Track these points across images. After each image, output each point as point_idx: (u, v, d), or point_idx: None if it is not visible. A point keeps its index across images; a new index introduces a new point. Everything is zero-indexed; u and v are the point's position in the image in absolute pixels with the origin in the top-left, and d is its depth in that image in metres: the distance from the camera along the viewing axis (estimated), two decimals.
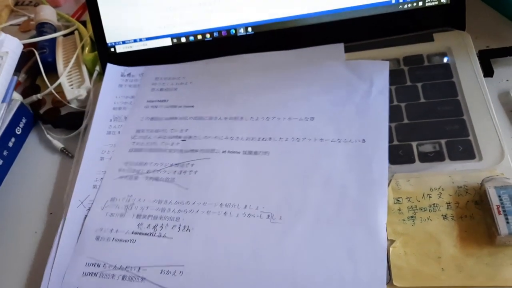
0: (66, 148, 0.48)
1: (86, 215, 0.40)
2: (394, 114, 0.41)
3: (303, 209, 0.37)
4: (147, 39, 0.50)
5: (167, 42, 0.50)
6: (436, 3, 0.45)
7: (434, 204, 0.35)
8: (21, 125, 0.50)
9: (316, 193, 0.37)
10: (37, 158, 0.49)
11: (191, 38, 0.49)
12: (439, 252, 0.33)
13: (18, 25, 0.64)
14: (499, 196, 0.33)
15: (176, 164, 0.41)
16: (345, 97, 0.42)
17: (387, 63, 0.43)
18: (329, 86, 0.43)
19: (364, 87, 0.42)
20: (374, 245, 0.34)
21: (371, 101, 0.41)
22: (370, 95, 0.41)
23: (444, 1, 0.44)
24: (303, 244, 0.35)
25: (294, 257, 0.35)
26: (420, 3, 0.45)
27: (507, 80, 0.42)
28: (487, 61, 0.43)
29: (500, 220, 0.32)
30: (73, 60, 0.53)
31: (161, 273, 0.36)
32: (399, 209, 0.36)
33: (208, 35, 0.49)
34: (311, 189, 0.37)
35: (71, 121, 0.50)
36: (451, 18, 0.45)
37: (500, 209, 0.33)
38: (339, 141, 0.39)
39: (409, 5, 0.45)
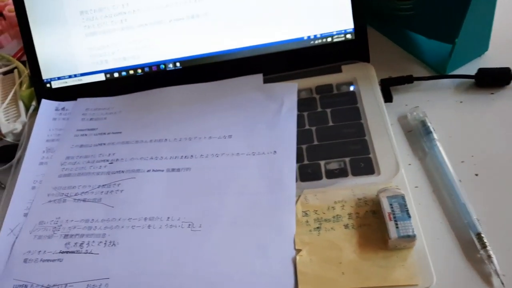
0: None
1: (15, 241, 0.42)
2: (305, 136, 0.45)
3: (220, 216, 0.40)
4: (82, 74, 0.53)
5: (101, 77, 0.53)
6: (343, 38, 0.50)
7: (337, 215, 0.39)
8: None
9: (233, 201, 0.41)
10: None
11: (124, 73, 0.53)
12: (340, 258, 0.36)
13: None
14: (391, 205, 0.37)
15: (103, 185, 0.44)
16: (259, 115, 0.46)
17: (295, 85, 0.48)
18: (245, 108, 0.47)
19: (276, 106, 0.47)
20: (283, 241, 0.38)
21: (281, 118, 0.46)
22: (280, 112, 0.46)
23: (350, 37, 0.50)
24: (220, 247, 0.38)
25: (212, 259, 0.38)
26: (329, 39, 0.50)
27: (406, 105, 0.47)
28: (387, 89, 0.48)
29: (390, 225, 0.36)
30: (10, 96, 0.55)
31: (87, 287, 0.37)
32: (307, 221, 0.39)
33: (139, 70, 0.52)
34: (228, 198, 0.41)
35: (5, 154, 0.51)
36: (356, 52, 0.50)
37: (391, 215, 0.36)
38: (253, 154, 0.43)
39: (320, 41, 0.50)
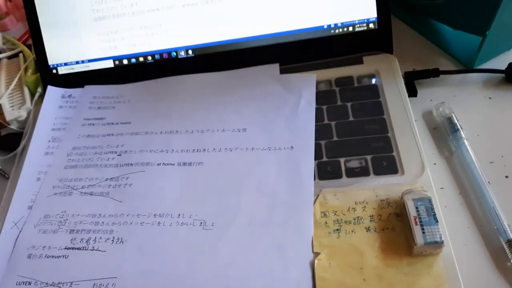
0: (2, 169, 0.47)
1: (18, 235, 0.40)
2: (324, 132, 0.42)
3: (235, 215, 0.38)
4: (90, 61, 0.51)
5: (109, 64, 0.51)
6: (365, 28, 0.47)
7: (358, 217, 0.37)
8: None
9: (248, 198, 0.38)
10: None
11: (133, 60, 0.50)
12: (362, 263, 0.34)
13: None
14: (416, 208, 0.35)
15: (111, 178, 0.42)
16: (275, 108, 0.44)
17: (314, 76, 0.46)
18: (261, 99, 0.45)
19: (293, 99, 0.44)
20: (301, 243, 0.36)
21: (300, 111, 0.43)
22: (298, 106, 0.44)
23: (372, 27, 0.47)
24: (235, 248, 0.36)
25: (226, 260, 0.35)
26: (350, 28, 0.47)
27: (431, 100, 0.45)
28: (412, 82, 0.45)
29: (416, 230, 0.34)
30: (15, 82, 0.53)
31: (93, 286, 0.36)
32: (326, 223, 0.37)
33: (149, 58, 0.50)
34: (243, 195, 0.39)
35: (10, 142, 0.49)
36: (379, 42, 0.47)
37: (417, 220, 0.34)
38: (269, 149, 0.41)
39: (340, 30, 0.47)
